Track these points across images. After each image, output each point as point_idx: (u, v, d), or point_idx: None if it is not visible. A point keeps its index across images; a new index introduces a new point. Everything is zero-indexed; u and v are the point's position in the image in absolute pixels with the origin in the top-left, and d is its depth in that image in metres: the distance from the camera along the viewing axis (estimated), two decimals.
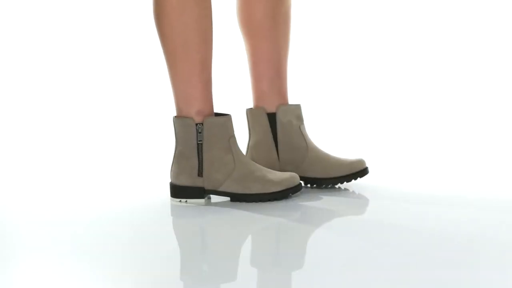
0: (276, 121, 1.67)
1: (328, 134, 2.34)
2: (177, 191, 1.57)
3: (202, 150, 1.55)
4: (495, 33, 3.01)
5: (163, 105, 2.63)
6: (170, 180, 1.59)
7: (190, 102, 1.55)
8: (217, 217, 1.51)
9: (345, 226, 1.42)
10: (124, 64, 2.97)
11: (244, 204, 1.55)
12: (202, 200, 1.57)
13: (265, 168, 1.59)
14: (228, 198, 1.59)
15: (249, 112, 1.69)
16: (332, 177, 1.67)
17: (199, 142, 1.54)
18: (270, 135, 1.67)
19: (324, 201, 1.59)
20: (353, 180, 1.68)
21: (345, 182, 1.68)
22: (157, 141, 2.34)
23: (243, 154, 1.58)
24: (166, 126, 2.39)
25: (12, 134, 2.66)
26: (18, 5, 3.01)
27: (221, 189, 1.56)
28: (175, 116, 1.59)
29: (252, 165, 1.57)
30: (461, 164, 2.04)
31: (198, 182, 1.55)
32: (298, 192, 1.59)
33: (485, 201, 1.57)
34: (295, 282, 1.10)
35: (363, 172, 1.69)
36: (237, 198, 1.56)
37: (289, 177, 1.57)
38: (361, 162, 1.69)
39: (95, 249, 1.28)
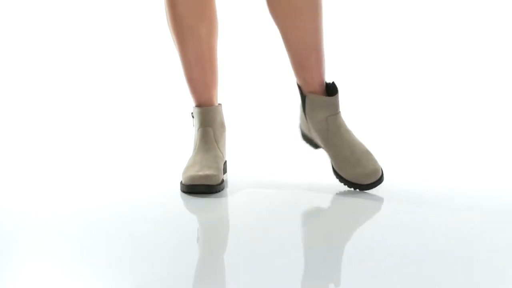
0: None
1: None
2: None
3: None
4: (495, 34, 3.02)
5: (167, 105, 2.64)
6: None
7: None
8: (224, 212, 1.51)
9: (347, 225, 1.42)
10: (132, 63, 2.97)
11: (243, 198, 1.59)
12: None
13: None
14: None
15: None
16: (343, 177, 1.60)
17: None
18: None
19: (327, 200, 1.59)
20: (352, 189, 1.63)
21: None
22: (157, 141, 2.34)
23: None
24: (169, 126, 2.40)
25: (26, 134, 2.66)
26: (18, 5, 3.02)
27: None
28: None
29: None
30: (463, 165, 2.03)
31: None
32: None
33: (487, 201, 1.57)
34: (296, 281, 1.10)
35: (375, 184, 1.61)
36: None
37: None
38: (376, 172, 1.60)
39: (98, 247, 1.29)
